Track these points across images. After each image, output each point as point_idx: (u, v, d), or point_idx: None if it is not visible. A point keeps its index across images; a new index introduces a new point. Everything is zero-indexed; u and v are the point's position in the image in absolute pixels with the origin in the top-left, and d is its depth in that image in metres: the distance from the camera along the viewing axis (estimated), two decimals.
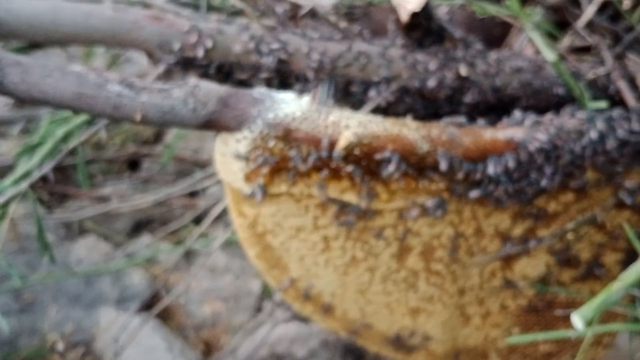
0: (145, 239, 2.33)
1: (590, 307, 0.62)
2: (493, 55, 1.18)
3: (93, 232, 2.31)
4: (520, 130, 0.87)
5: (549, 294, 1.07)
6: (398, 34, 1.17)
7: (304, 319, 1.78)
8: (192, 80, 0.71)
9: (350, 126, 0.77)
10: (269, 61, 1.08)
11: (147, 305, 2.01)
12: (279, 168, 0.78)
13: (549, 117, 0.90)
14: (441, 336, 1.09)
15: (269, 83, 1.12)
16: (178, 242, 2.27)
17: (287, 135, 0.75)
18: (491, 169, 0.85)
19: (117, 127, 3.14)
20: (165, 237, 2.27)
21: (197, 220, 2.48)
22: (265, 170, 0.76)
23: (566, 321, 1.10)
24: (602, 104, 0.95)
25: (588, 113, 0.93)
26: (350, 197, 0.83)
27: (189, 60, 1.07)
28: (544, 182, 0.88)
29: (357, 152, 0.78)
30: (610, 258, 1.06)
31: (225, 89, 0.74)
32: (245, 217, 0.86)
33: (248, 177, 0.77)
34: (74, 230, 2.29)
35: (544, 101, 1.19)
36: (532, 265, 1.04)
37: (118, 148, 3.14)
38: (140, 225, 2.47)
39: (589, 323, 0.62)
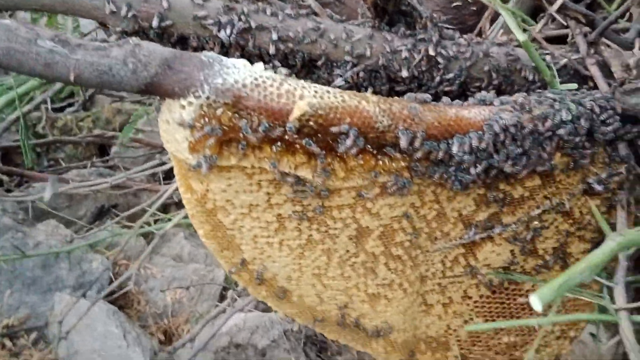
0: (107, 225, 2.26)
1: (550, 288, 0.59)
2: (463, 39, 1.15)
3: (54, 216, 2.24)
4: (486, 109, 0.83)
5: (513, 284, 1.04)
6: (367, 12, 1.13)
7: (266, 309, 1.73)
8: (134, 39, 0.66)
9: (306, 96, 0.72)
10: (228, 34, 1.03)
11: (107, 292, 1.95)
12: (227, 138, 0.73)
13: (516, 97, 0.86)
14: (401, 325, 1.05)
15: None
16: (140, 229, 2.21)
17: (237, 103, 0.70)
18: (455, 148, 0.81)
19: (86, 111, 3.06)
20: (128, 223, 2.20)
21: (164, 208, 2.41)
22: (212, 140, 0.71)
23: (531, 312, 1.07)
24: (573, 85, 0.92)
25: (558, 94, 0.90)
26: (305, 173, 0.78)
27: (143, 29, 1.01)
28: (509, 164, 0.84)
29: (312, 124, 0.74)
30: (577, 248, 1.03)
31: (170, 50, 0.68)
32: (194, 193, 0.81)
33: (193, 147, 0.72)
34: (35, 214, 2.21)
35: (515, 86, 1.16)
36: (496, 253, 1.00)
37: (87, 133, 3.06)
38: (104, 211, 2.40)
39: (548, 305, 0.59)
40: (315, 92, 0.73)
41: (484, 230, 0.97)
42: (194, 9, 1.00)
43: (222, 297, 1.94)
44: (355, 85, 1.14)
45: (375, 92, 1.15)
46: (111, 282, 1.98)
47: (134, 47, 0.65)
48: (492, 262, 1.01)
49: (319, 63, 1.11)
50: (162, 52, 0.67)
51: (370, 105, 0.76)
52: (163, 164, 1.99)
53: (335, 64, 1.11)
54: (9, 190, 2.34)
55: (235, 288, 1.74)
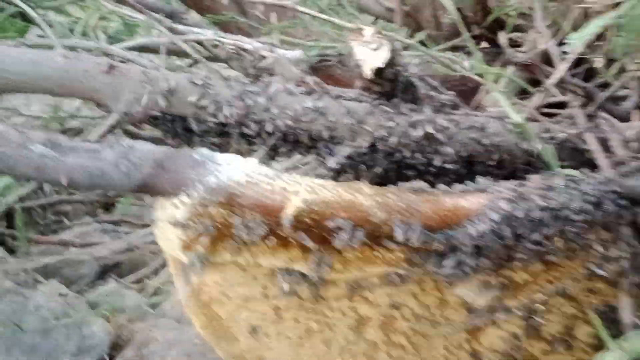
0: (110, 286, 2.23)
1: None
2: (460, 114, 1.15)
3: (55, 277, 2.22)
4: (483, 197, 0.82)
5: None
6: (364, 89, 1.13)
7: None
8: (126, 141, 0.66)
9: (300, 192, 0.72)
10: (228, 115, 1.03)
11: (109, 357, 1.91)
12: (221, 236, 0.72)
13: (512, 183, 0.85)
14: None
15: (227, 136, 1.07)
16: (144, 289, 2.18)
17: (231, 202, 0.70)
18: (454, 238, 0.80)
19: None
20: (132, 283, 2.18)
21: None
22: (205, 239, 0.70)
23: None
24: (575, 172, 0.91)
25: (559, 180, 0.88)
26: (301, 267, 0.77)
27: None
28: (508, 252, 0.83)
29: (307, 219, 0.73)
30: (582, 330, 1.00)
31: (162, 150, 0.68)
32: (189, 285, 0.80)
33: (186, 246, 0.71)
34: (35, 276, 2.19)
35: (515, 159, 1.15)
36: (500, 337, 0.98)
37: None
38: (107, 271, 2.38)
39: None
40: (310, 187, 0.73)
41: (486, 314, 0.94)
42: (192, 93, 1.01)
43: None
44: (355, 161, 1.14)
45: (377, 168, 1.15)
46: (112, 346, 1.95)
47: (126, 149, 0.65)
48: (497, 347, 0.98)
49: (319, 140, 1.12)
50: (155, 153, 0.67)
51: (366, 198, 0.76)
52: None
53: (335, 141, 1.12)
54: (12, 251, 2.33)
55: None
